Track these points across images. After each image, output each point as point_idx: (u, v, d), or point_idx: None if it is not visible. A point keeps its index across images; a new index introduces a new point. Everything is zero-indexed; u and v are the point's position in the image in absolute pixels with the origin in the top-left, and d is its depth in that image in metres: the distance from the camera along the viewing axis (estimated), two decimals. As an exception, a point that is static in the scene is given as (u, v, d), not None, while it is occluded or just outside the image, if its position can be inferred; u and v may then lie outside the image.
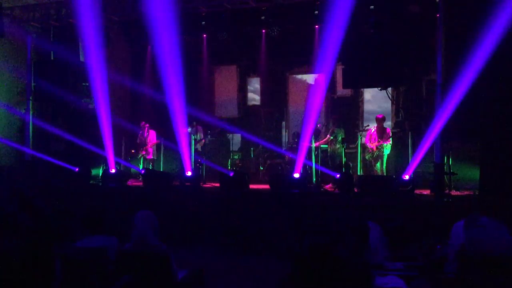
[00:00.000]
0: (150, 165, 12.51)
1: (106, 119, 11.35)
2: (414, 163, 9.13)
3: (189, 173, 10.54)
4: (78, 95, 12.26)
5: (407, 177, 9.01)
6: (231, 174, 10.20)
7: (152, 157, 12.61)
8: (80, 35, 11.32)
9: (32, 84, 12.65)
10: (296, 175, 9.68)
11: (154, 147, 12.63)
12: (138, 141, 12.71)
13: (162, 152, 12.36)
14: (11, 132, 12.59)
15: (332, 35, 9.34)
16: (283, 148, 13.23)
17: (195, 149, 11.48)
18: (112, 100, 11.67)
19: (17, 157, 12.60)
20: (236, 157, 13.49)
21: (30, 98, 12.64)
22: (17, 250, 1.11)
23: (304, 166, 10.58)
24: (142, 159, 12.55)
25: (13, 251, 1.01)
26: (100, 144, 11.42)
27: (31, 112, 12.63)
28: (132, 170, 12.48)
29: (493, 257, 1.93)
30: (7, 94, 12.59)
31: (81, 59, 12.54)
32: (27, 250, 1.16)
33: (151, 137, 12.52)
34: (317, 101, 10.36)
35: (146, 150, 12.51)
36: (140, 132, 12.67)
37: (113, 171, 11.13)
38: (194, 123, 12.15)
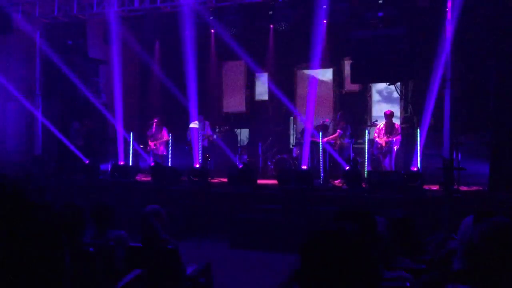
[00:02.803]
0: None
1: (118, 113, 11.43)
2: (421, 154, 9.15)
3: (196, 166, 10.60)
4: (87, 90, 12.32)
5: (415, 169, 9.00)
6: (240, 166, 10.24)
7: (162, 153, 12.62)
8: (90, 31, 11.40)
9: (41, 79, 12.71)
10: (304, 167, 9.72)
11: (164, 143, 12.63)
12: (148, 133, 12.67)
13: (170, 147, 12.38)
14: (20, 127, 12.68)
15: (341, 30, 9.33)
16: (291, 144, 13.23)
17: (202, 145, 11.50)
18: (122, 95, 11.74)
19: (27, 152, 12.70)
20: (244, 152, 13.50)
21: (39, 93, 12.71)
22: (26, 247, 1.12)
23: (312, 161, 10.59)
24: (151, 153, 12.55)
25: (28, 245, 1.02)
26: (108, 139, 11.49)
27: (40, 107, 12.70)
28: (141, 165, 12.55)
29: (503, 252, 1.92)
30: (16, 89, 12.67)
31: (90, 54, 12.60)
32: (37, 246, 1.16)
33: (163, 133, 12.51)
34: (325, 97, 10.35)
35: (156, 145, 12.50)
36: (151, 128, 12.65)
37: (122, 163, 11.23)
38: (202, 118, 12.15)
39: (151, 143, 12.45)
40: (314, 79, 11.66)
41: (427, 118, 9.15)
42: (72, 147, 11.75)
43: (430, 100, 9.13)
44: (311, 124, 10.81)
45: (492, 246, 1.92)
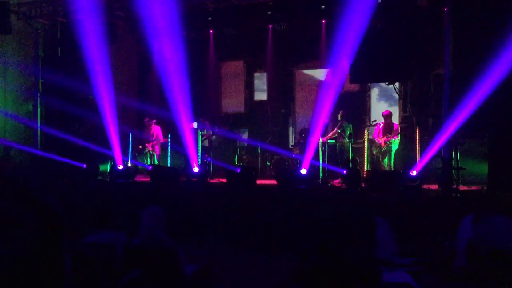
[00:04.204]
0: (156, 161, 12.49)
1: (113, 116, 11.40)
2: (424, 160, 9.09)
3: (196, 169, 10.57)
4: (86, 91, 12.31)
5: (414, 172, 8.98)
6: (238, 170, 10.22)
7: (159, 153, 12.61)
8: (87, 32, 11.36)
9: (40, 80, 12.70)
10: (303, 171, 9.68)
11: (160, 143, 12.61)
12: (146, 135, 12.64)
13: (169, 148, 12.37)
14: (20, 127, 12.68)
15: (339, 30, 9.32)
16: (290, 144, 13.22)
17: (202, 145, 11.49)
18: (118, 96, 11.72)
19: (26, 154, 12.69)
20: (243, 152, 13.48)
21: (38, 94, 12.69)
22: (25, 249, 1.11)
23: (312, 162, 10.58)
24: (148, 154, 12.53)
25: (20, 251, 1.01)
26: (108, 140, 11.46)
27: (39, 108, 12.69)
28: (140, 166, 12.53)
29: (502, 252, 1.92)
30: (16, 89, 12.66)
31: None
32: (36, 247, 1.15)
33: (158, 133, 12.49)
34: (329, 98, 10.31)
35: (153, 146, 12.48)
36: (146, 129, 12.62)
37: (121, 167, 11.20)
38: (201, 118, 12.14)
39: (148, 145, 12.45)
40: (312, 79, 11.64)
41: (429, 119, 9.12)
42: (70, 149, 11.73)
43: (429, 100, 9.12)
44: (312, 124, 10.79)
45: (492, 246, 1.92)
